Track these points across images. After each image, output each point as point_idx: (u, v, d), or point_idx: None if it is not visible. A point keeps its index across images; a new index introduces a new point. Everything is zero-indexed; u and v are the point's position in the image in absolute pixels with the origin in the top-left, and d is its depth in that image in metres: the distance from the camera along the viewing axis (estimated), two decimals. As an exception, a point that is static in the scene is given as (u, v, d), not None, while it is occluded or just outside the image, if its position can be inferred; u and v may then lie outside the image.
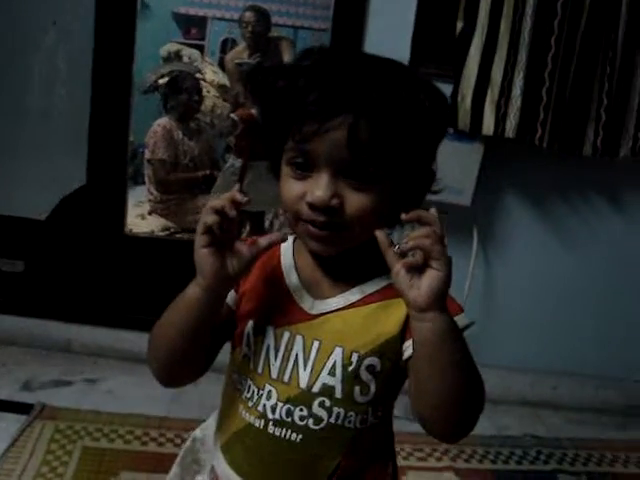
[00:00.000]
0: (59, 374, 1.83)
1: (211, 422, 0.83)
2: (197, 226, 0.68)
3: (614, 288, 1.89)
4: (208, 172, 3.09)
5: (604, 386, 1.98)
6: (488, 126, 1.58)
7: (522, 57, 1.54)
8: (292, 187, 0.68)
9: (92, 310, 1.91)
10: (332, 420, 0.72)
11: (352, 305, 0.73)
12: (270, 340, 0.73)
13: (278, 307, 0.74)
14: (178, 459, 0.86)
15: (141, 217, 2.97)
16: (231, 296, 0.76)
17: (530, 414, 1.93)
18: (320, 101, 0.65)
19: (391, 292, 0.71)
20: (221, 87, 4.21)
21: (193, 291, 0.70)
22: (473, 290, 1.85)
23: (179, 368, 0.75)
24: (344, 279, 0.74)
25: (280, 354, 0.73)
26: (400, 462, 1.58)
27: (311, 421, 0.72)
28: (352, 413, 0.72)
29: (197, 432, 0.85)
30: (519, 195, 1.80)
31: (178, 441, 1.58)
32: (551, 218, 1.83)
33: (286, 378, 0.72)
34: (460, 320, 0.73)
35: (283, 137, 0.69)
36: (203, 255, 0.68)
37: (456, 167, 1.67)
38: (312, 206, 0.66)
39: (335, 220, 0.67)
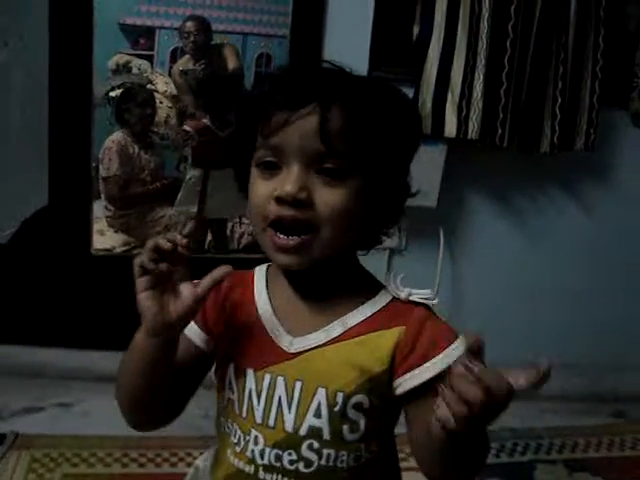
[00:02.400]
0: (31, 400, 1.78)
1: (211, 453, 0.81)
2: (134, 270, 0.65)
3: (577, 279, 1.95)
4: (159, 184, 3.07)
5: (568, 373, 2.03)
6: (450, 128, 1.62)
7: (481, 60, 1.58)
8: (261, 187, 0.66)
9: (62, 333, 1.87)
10: (323, 462, 0.69)
11: (334, 340, 0.69)
12: (251, 384, 0.70)
13: (256, 347, 0.71)
14: None
15: (100, 233, 2.93)
16: (198, 335, 0.73)
17: (503, 407, 1.98)
18: (288, 92, 0.64)
19: (375, 323, 0.68)
20: (173, 97, 4.16)
21: (139, 337, 0.67)
22: (441, 289, 1.88)
23: (144, 413, 0.73)
24: (323, 309, 0.70)
25: (263, 398, 0.70)
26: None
27: (301, 465, 0.69)
28: (343, 452, 0.69)
29: (199, 462, 0.82)
30: (482, 194, 1.85)
31: (159, 460, 1.57)
32: (514, 214, 1.88)
33: (271, 422, 0.69)
34: (458, 349, 0.67)
35: (251, 142, 0.67)
36: (141, 299, 0.64)
37: (420, 170, 1.67)
38: (280, 199, 0.64)
39: (304, 217, 0.64)
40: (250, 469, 0.71)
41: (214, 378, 0.77)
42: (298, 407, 0.68)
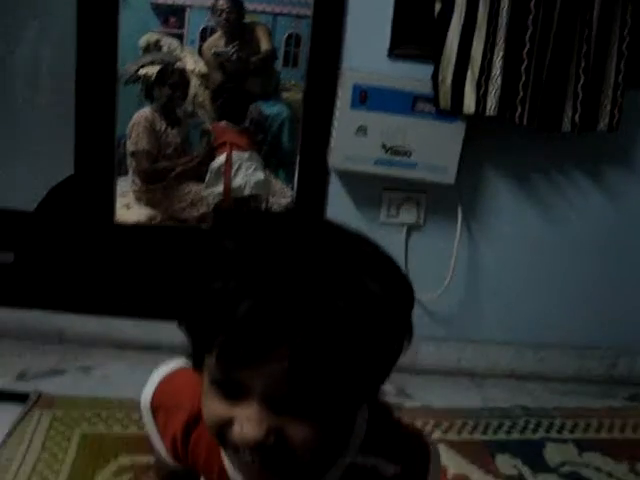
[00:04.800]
0: (53, 363, 1.84)
1: None
2: None
3: (596, 261, 1.94)
4: (187, 159, 3.12)
5: (585, 356, 2.03)
6: (469, 105, 1.62)
7: (501, 37, 1.57)
8: (216, 408, 0.57)
9: (84, 299, 1.93)
10: None
11: None
12: None
13: None
14: None
15: (126, 207, 2.99)
16: (171, 462, 0.77)
17: (517, 386, 1.98)
18: (253, 325, 0.52)
19: None
20: (202, 76, 4.20)
21: None
22: (458, 267, 1.89)
23: None
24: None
25: None
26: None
27: None
28: None
29: None
30: (502, 172, 1.84)
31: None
32: (533, 194, 1.87)
33: None
34: None
35: (206, 344, 0.56)
36: None
37: (439, 146, 1.70)
38: (244, 443, 0.56)
39: (275, 456, 0.56)
40: None
41: None
42: None
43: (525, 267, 1.93)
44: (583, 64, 1.64)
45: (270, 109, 3.54)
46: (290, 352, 0.51)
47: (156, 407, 0.76)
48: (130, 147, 3.06)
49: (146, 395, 0.77)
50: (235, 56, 3.77)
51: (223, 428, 0.56)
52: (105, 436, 1.55)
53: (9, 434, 1.52)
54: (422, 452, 0.73)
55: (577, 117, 1.66)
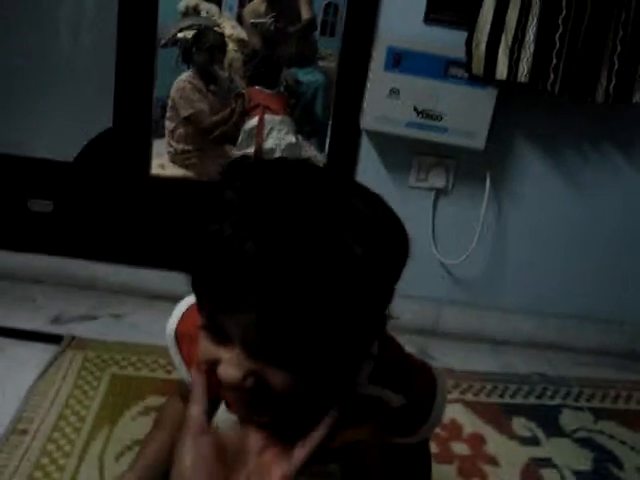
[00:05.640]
0: (86, 309, 1.92)
1: None
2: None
3: (621, 236, 1.93)
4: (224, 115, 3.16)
5: (608, 329, 2.04)
6: (501, 71, 1.62)
7: (536, 2, 1.57)
8: (206, 349, 0.60)
9: (117, 249, 1.99)
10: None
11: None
12: None
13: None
14: None
15: (161, 167, 3.05)
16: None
17: (537, 355, 2.00)
18: (229, 272, 0.53)
19: (351, 420, 0.67)
20: (239, 41, 4.22)
21: None
22: (484, 234, 1.91)
23: None
24: (294, 428, 0.65)
25: None
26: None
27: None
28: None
29: None
30: (532, 142, 1.84)
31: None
32: (563, 164, 1.87)
33: None
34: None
35: (196, 288, 0.60)
36: None
37: (470, 112, 1.71)
38: (226, 383, 0.58)
39: (257, 398, 0.59)
40: None
41: None
42: None
43: (550, 237, 1.94)
44: (621, 33, 1.63)
45: (305, 76, 3.55)
46: (258, 303, 0.52)
47: (180, 335, 0.80)
48: (183, 112, 3.10)
49: (171, 324, 0.82)
50: (273, 27, 3.77)
51: (213, 367, 0.59)
52: (133, 378, 1.62)
53: (44, 371, 1.60)
54: (429, 385, 0.76)
55: (611, 88, 1.65)
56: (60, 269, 2.00)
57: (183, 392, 0.84)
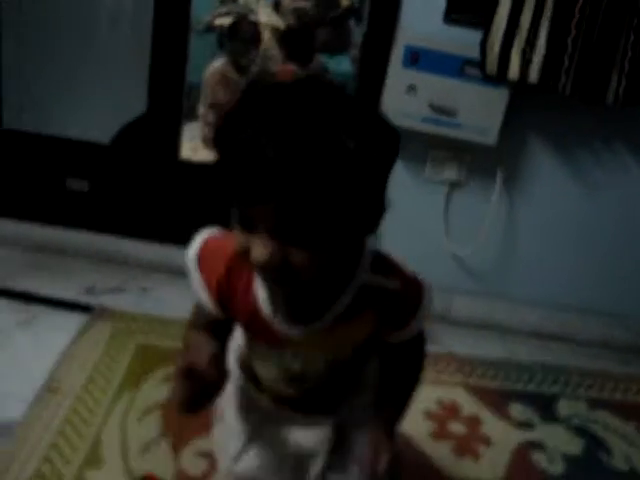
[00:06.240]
0: (117, 282, 2.05)
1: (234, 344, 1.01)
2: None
3: (628, 233, 1.99)
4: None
5: (612, 323, 2.11)
6: (514, 71, 1.69)
7: (549, 7, 1.63)
8: (241, 239, 0.73)
9: (147, 227, 2.12)
10: (324, 379, 0.91)
11: (325, 328, 0.83)
12: (266, 350, 0.90)
13: (266, 333, 0.86)
14: None
15: (193, 150, 3.18)
16: (214, 309, 0.89)
17: (541, 345, 2.08)
18: (252, 170, 0.66)
19: (354, 309, 0.82)
20: (274, 29, 4.31)
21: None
22: (494, 226, 1.98)
23: None
24: (312, 308, 0.83)
25: (276, 357, 0.90)
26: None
27: (309, 384, 0.91)
28: (338, 371, 0.92)
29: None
30: (544, 140, 1.91)
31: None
32: (574, 163, 1.93)
33: (284, 366, 0.90)
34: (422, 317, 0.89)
35: (230, 190, 0.71)
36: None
37: (482, 109, 1.79)
38: (257, 263, 0.71)
39: (282, 271, 0.71)
40: (273, 384, 0.94)
41: None
42: (303, 362, 0.89)
43: (559, 232, 2.01)
44: (632, 38, 1.68)
45: (336, 66, 3.62)
46: (276, 195, 0.66)
47: (201, 257, 0.89)
48: (208, 99, 3.22)
49: (193, 249, 0.91)
50: (313, 12, 3.85)
51: (247, 254, 0.72)
52: (157, 347, 1.75)
53: (76, 338, 1.74)
54: (417, 279, 0.88)
55: (621, 91, 1.71)
56: (94, 244, 2.14)
57: (197, 322, 0.93)
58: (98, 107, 2.07)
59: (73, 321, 1.82)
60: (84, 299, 1.94)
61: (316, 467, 0.98)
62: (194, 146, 3.19)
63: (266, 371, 0.94)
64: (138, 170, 2.09)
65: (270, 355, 0.90)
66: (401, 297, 0.84)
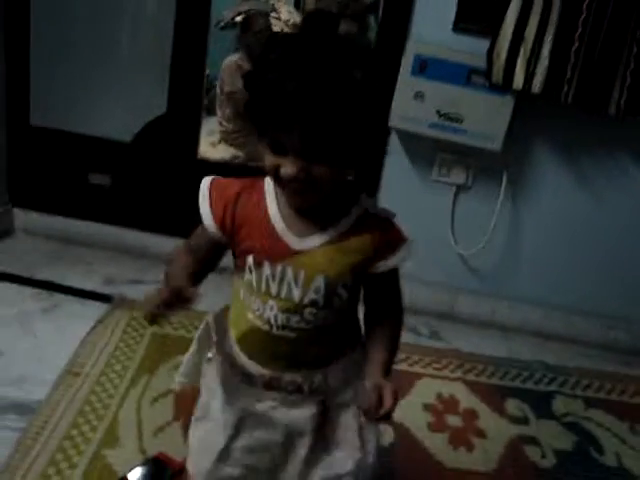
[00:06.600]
0: (135, 274, 2.15)
1: (221, 314, 1.08)
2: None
3: (630, 237, 2.05)
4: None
5: (613, 325, 2.17)
6: (518, 81, 1.76)
7: (553, 20, 1.70)
8: (270, 160, 0.87)
9: (165, 222, 2.21)
10: (318, 321, 0.97)
11: (328, 242, 0.93)
12: (268, 271, 0.95)
13: (270, 244, 0.94)
14: (196, 338, 1.11)
15: (212, 145, 3.26)
16: (216, 233, 0.97)
17: (542, 344, 2.15)
18: (279, 101, 0.82)
19: (355, 230, 0.93)
20: (295, 27, 4.38)
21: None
22: (498, 228, 2.06)
23: None
24: (318, 220, 0.94)
25: (277, 280, 0.94)
26: (417, 370, 1.86)
27: (303, 324, 0.96)
28: (331, 314, 0.97)
29: (210, 318, 1.09)
30: (547, 147, 1.97)
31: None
32: (577, 169, 2.00)
33: (283, 295, 0.95)
34: (408, 249, 0.97)
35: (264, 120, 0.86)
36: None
37: (489, 116, 1.86)
38: (287, 177, 0.86)
39: (306, 183, 0.86)
40: (266, 327, 0.98)
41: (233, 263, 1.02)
42: (302, 286, 0.94)
43: (561, 234, 2.07)
44: (635, 50, 1.74)
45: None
46: (299, 121, 0.81)
47: (213, 186, 0.99)
48: (226, 88, 3.29)
49: (204, 183, 1.00)
50: (335, 5, 3.92)
51: (276, 171, 0.87)
52: (172, 336, 1.85)
53: (95, 326, 1.84)
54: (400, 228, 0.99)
55: (623, 102, 1.77)
56: (114, 237, 2.24)
57: (190, 243, 1.04)
58: (120, 106, 2.16)
59: (93, 310, 1.92)
60: (104, 289, 2.04)
61: (303, 447, 1.02)
62: (214, 141, 3.28)
63: (263, 307, 0.97)
64: (158, 168, 2.19)
65: (268, 281, 0.95)
66: (391, 227, 0.97)
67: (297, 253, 0.94)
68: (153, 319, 0.92)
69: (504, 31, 1.76)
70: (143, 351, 1.77)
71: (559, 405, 1.84)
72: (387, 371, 0.99)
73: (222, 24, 3.80)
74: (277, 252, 0.94)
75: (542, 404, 1.83)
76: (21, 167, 2.25)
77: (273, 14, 4.07)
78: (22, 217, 2.29)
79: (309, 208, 0.93)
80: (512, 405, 1.80)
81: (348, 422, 1.03)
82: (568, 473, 1.60)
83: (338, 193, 0.92)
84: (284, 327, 0.97)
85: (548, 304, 2.16)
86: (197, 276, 1.00)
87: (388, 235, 0.96)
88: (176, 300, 0.88)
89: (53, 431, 1.45)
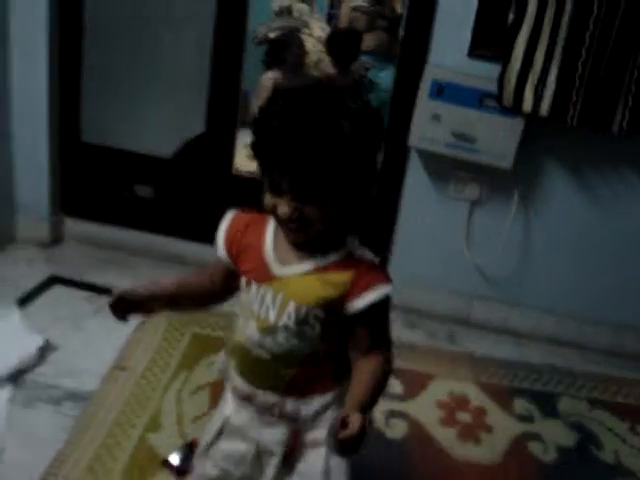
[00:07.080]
0: (174, 279, 2.33)
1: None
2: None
3: (635, 248, 2.18)
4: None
5: (622, 333, 2.29)
6: (527, 105, 1.91)
7: (559, 48, 1.84)
8: (269, 200, 0.97)
9: (202, 231, 2.39)
10: (289, 347, 1.03)
11: (307, 273, 1.01)
12: (254, 291, 1.04)
13: (256, 268, 1.04)
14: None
15: (248, 158, 3.44)
16: (226, 259, 1.10)
17: (553, 350, 2.28)
18: (275, 147, 0.92)
19: (336, 267, 1.01)
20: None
21: None
22: (511, 241, 2.20)
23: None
24: (305, 254, 1.02)
25: (258, 300, 1.04)
26: (433, 370, 2.00)
27: (276, 347, 1.04)
28: (303, 343, 1.03)
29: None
30: (556, 164, 2.11)
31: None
32: (586, 186, 2.13)
33: (262, 315, 1.03)
34: (386, 289, 1.03)
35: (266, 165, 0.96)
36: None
37: (500, 137, 2.01)
38: (282, 216, 0.96)
39: (300, 223, 0.96)
40: (248, 344, 1.07)
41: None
42: (278, 309, 1.03)
43: (570, 246, 2.21)
44: (636, 74, 1.87)
45: (379, 80, 3.76)
46: (294, 167, 0.91)
47: (232, 218, 1.13)
48: (258, 102, 3.47)
49: (230, 213, 1.14)
50: (370, 9, 4.08)
51: (274, 210, 0.97)
52: (209, 336, 2.03)
53: (140, 326, 2.03)
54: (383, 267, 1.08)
55: (625, 124, 1.91)
56: (155, 245, 2.44)
57: (203, 269, 1.22)
58: (162, 125, 2.37)
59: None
60: (146, 292, 2.23)
61: (272, 468, 1.10)
62: (250, 154, 3.47)
63: (246, 325, 1.05)
64: (197, 181, 2.39)
65: (253, 301, 1.04)
66: (372, 269, 1.03)
67: (277, 278, 1.03)
68: (114, 312, 1.14)
69: (514, 58, 1.91)
70: (184, 349, 1.96)
71: (565, 406, 1.98)
72: (364, 407, 0.99)
73: (257, 40, 4.00)
74: (261, 275, 1.04)
75: (548, 404, 1.97)
76: (72, 180, 2.46)
77: (306, 30, 4.25)
78: (73, 226, 2.49)
79: (304, 242, 1.02)
80: (519, 404, 1.94)
81: (317, 461, 1.09)
82: (567, 467, 1.73)
83: (329, 231, 1.00)
84: (260, 346, 1.05)
85: (559, 312, 2.30)
86: (182, 297, 1.21)
87: (367, 276, 1.02)
88: (120, 301, 1.12)
89: (104, 419, 1.64)
